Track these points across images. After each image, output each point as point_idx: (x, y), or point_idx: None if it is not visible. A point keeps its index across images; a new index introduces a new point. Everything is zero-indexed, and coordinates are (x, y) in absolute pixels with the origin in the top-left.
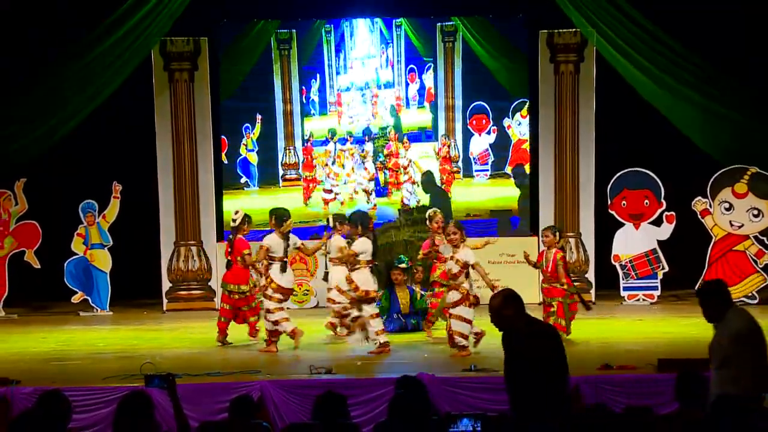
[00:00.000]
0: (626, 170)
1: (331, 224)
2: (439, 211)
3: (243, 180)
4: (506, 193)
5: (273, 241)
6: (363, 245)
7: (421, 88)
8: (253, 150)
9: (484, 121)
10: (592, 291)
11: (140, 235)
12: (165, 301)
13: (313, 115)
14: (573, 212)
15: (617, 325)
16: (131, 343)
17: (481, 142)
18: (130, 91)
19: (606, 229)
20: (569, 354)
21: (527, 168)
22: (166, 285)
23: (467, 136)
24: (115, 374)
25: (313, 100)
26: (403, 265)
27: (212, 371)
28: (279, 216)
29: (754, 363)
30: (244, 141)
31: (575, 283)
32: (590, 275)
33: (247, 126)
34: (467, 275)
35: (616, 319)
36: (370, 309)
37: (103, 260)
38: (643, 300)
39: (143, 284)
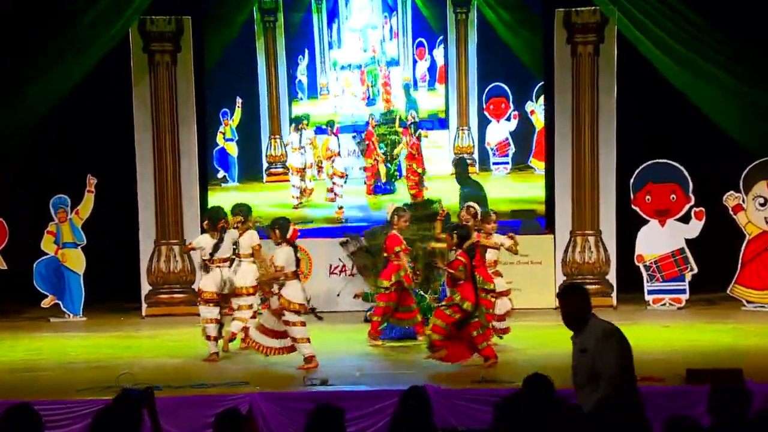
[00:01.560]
0: (651, 162)
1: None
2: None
3: (220, 174)
4: (530, 190)
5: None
6: (284, 256)
7: (432, 67)
8: (232, 139)
9: (503, 105)
10: (614, 294)
11: (117, 233)
12: (144, 305)
13: (301, 99)
14: (592, 208)
15: (641, 332)
16: (107, 351)
17: (500, 130)
18: (106, 75)
19: (629, 227)
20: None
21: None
22: (145, 288)
23: (483, 123)
24: (89, 386)
25: (300, 81)
26: None
27: (196, 383)
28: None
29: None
30: (221, 129)
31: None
32: (611, 277)
33: (225, 111)
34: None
35: (640, 326)
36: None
37: (76, 261)
38: (670, 305)
39: (120, 287)
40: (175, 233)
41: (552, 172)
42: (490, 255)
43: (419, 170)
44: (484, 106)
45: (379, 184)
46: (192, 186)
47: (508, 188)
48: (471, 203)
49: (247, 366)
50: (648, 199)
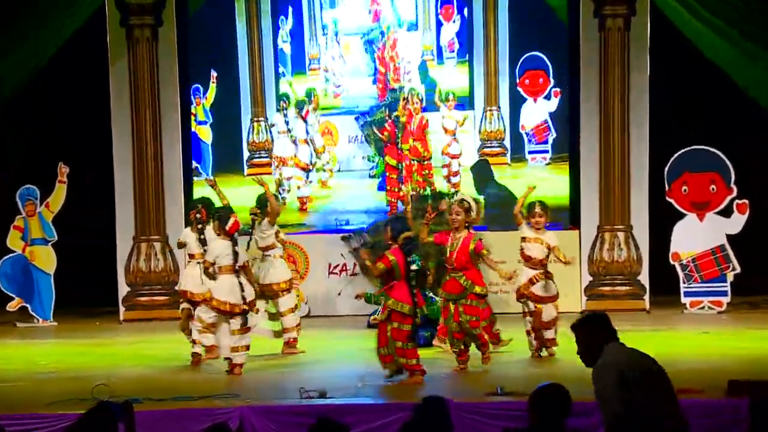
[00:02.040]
0: (688, 149)
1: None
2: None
3: (192, 165)
4: (576, 185)
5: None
6: (217, 250)
7: (463, 31)
8: (205, 122)
9: (541, 80)
10: (646, 297)
11: (92, 228)
12: (122, 309)
13: (283, 75)
14: (622, 200)
15: (677, 338)
16: (80, 360)
17: (538, 111)
18: (80, 53)
19: (663, 221)
20: None
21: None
22: (123, 289)
23: (517, 102)
24: (61, 398)
25: (281, 50)
26: (414, 267)
27: (180, 395)
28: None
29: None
30: (192, 109)
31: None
32: (643, 278)
33: (196, 88)
34: None
35: (676, 332)
36: (235, 323)
37: (46, 259)
38: (709, 308)
39: (95, 288)
40: (157, 229)
41: (576, 160)
42: (536, 251)
43: (426, 154)
44: (518, 81)
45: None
46: (176, 176)
47: (547, 184)
48: (465, 196)
49: (237, 377)
50: (685, 190)
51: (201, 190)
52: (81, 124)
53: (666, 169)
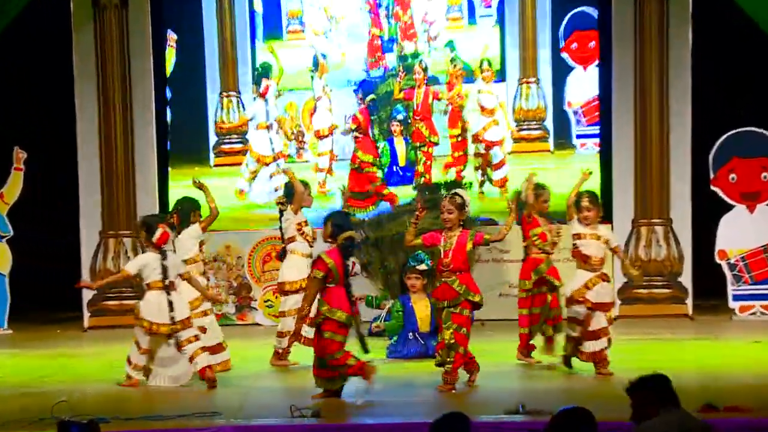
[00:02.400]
0: (736, 131)
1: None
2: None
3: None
4: (608, 173)
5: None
6: (138, 262)
7: None
8: None
9: (591, 44)
10: (689, 301)
11: (53, 222)
12: (87, 315)
13: (256, 40)
14: (661, 190)
15: (724, 349)
16: (39, 374)
17: (588, 83)
18: (40, 24)
19: (708, 214)
20: None
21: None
22: (88, 293)
23: (561, 72)
24: (16, 418)
25: (254, 11)
26: (423, 267)
27: (152, 414)
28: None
29: None
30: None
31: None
32: (685, 279)
33: None
34: None
35: (723, 341)
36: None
37: (0, 257)
38: (762, 313)
39: (56, 291)
40: (127, 223)
41: (608, 144)
42: (594, 249)
43: (433, 138)
44: (562, 46)
45: (391, 173)
46: (148, 164)
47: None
48: (457, 190)
49: (219, 392)
50: (733, 179)
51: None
52: (40, 103)
53: (711, 154)
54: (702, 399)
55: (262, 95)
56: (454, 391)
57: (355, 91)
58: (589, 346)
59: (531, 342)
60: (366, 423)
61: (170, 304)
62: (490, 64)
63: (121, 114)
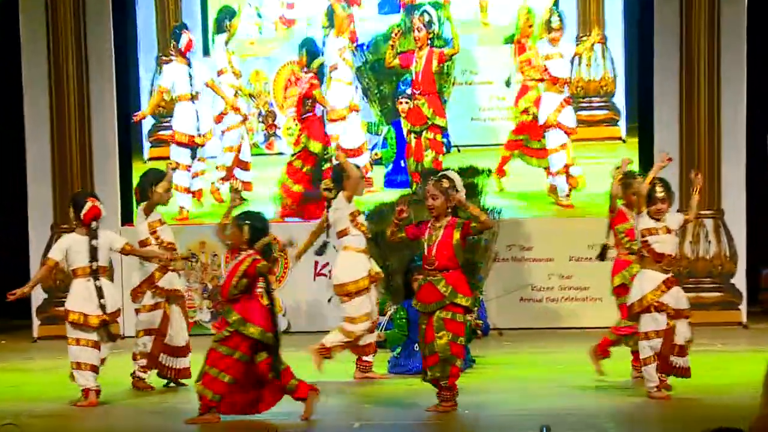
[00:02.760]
0: None
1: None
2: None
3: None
4: (649, 159)
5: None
6: (61, 244)
7: None
8: None
9: None
10: (743, 306)
11: None
12: (36, 322)
13: None
14: (711, 178)
15: None
16: None
17: None
18: None
19: (765, 205)
20: (693, 409)
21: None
22: (38, 297)
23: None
24: None
25: None
26: None
27: None
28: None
29: None
30: None
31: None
32: (739, 280)
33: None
34: None
35: None
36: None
37: None
38: None
39: (1, 295)
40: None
41: (649, 126)
42: (668, 247)
43: (437, 120)
44: None
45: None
46: (107, 149)
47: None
48: (446, 172)
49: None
50: None
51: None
52: None
53: None
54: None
55: (182, 53)
56: (466, 412)
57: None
58: (680, 362)
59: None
60: None
61: (99, 290)
62: (561, 19)
63: (75, 93)
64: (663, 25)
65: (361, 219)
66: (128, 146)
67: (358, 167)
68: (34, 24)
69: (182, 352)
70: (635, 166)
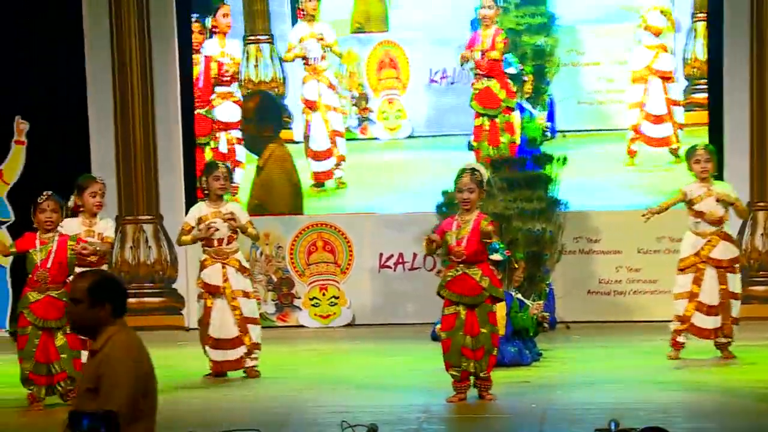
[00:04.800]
0: None
1: None
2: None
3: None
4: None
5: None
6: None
7: None
8: None
9: None
10: None
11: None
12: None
13: None
14: None
15: None
16: None
17: None
18: None
19: None
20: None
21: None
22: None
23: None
24: None
25: None
26: (497, 257)
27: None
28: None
29: None
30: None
31: None
32: None
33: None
34: None
35: None
36: None
37: None
38: None
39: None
40: (148, 206)
41: (718, 107)
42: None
43: (509, 102)
44: None
45: None
46: (172, 136)
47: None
48: (476, 165)
49: (256, 406)
50: None
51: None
52: (45, 65)
53: None
54: None
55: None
56: (533, 406)
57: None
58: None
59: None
60: None
61: None
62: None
63: (139, 75)
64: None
65: None
66: (190, 132)
67: None
68: (97, 11)
69: (228, 344)
70: None
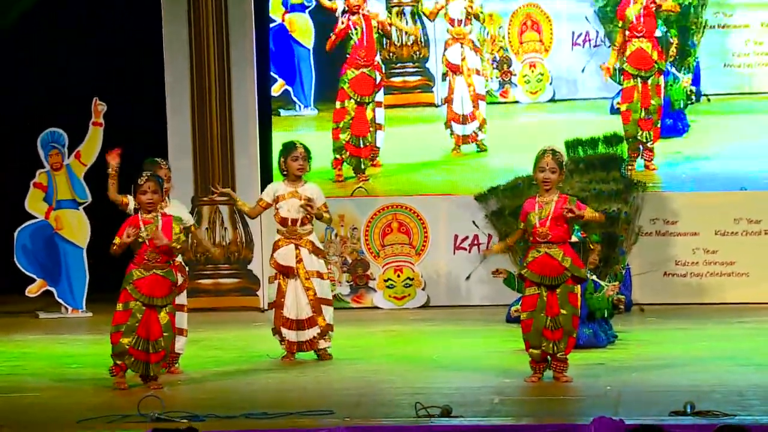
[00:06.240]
0: None
1: None
2: None
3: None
4: None
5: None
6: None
7: None
8: (303, 6)
9: None
10: None
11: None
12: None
13: None
14: None
15: None
16: None
17: None
18: None
19: None
20: None
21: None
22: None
23: None
24: (96, 414)
25: None
26: (573, 239)
27: (254, 412)
28: None
29: None
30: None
31: None
32: None
33: None
34: None
35: None
36: None
37: (77, 227)
38: None
39: None
40: (223, 186)
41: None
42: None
43: (661, 64)
44: None
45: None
46: (248, 117)
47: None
48: (555, 146)
49: (329, 387)
50: None
51: (285, 133)
52: (121, 45)
53: None
54: None
55: None
56: (608, 388)
57: None
58: None
59: None
60: (504, 424)
61: None
62: None
63: (216, 58)
64: None
65: None
66: (267, 109)
67: None
68: None
69: (302, 325)
70: None
